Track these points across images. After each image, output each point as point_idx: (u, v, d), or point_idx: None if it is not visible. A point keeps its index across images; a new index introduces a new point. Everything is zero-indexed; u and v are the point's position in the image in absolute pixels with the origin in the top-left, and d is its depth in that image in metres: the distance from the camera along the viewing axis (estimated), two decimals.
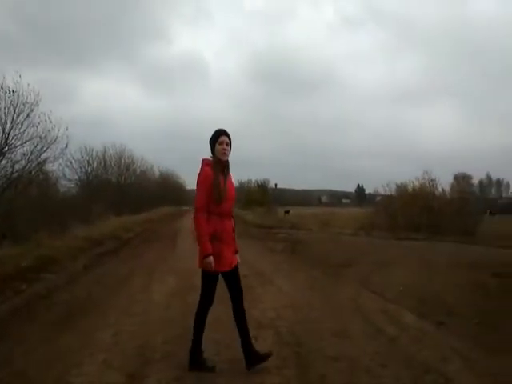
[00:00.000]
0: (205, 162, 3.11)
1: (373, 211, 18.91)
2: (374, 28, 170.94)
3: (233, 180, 3.23)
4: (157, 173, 45.95)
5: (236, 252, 3.26)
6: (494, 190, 71.41)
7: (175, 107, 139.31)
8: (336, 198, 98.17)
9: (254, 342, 3.66)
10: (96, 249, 10.88)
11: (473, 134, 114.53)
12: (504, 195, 70.72)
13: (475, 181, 38.98)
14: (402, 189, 17.34)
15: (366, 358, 3.33)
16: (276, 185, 57.71)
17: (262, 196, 41.85)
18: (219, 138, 3.10)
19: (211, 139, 3.14)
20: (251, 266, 7.89)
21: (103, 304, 5.21)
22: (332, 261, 8.49)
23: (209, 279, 3.09)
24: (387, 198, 18.14)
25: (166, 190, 46.55)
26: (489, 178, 66.72)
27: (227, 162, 3.15)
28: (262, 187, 47.12)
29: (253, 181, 49.33)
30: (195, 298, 5.32)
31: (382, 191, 19.21)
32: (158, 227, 20.35)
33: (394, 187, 17.65)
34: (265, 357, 3.10)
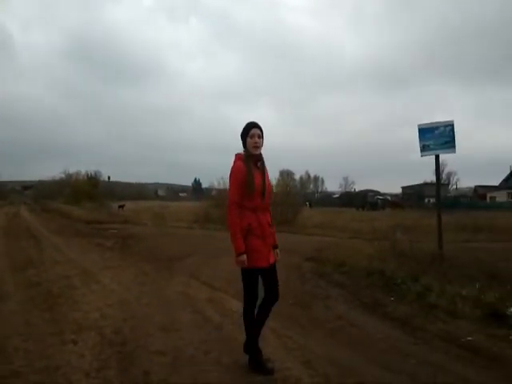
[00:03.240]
0: (237, 157, 3.02)
1: (208, 204, 19.46)
2: (197, 24, 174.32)
3: (268, 173, 3.14)
4: None
5: (275, 247, 3.15)
6: (312, 186, 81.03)
7: None
8: (173, 192, 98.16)
9: (72, 346, 3.41)
10: None
11: (294, 134, 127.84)
12: (320, 190, 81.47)
13: (297, 177, 44.11)
14: None
15: (192, 347, 3.41)
16: (109, 177, 54.75)
17: (92, 189, 39.11)
18: (250, 130, 2.99)
19: (242, 133, 3.02)
20: (76, 265, 7.30)
21: None
22: (165, 254, 8.46)
23: (248, 276, 2.97)
24: (221, 192, 18.88)
25: None
26: (308, 174, 75.71)
27: (260, 155, 3.05)
28: (93, 179, 43.96)
29: (82, 172, 45.56)
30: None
31: (216, 185, 19.98)
32: None
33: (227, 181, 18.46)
34: (265, 369, 2.95)
